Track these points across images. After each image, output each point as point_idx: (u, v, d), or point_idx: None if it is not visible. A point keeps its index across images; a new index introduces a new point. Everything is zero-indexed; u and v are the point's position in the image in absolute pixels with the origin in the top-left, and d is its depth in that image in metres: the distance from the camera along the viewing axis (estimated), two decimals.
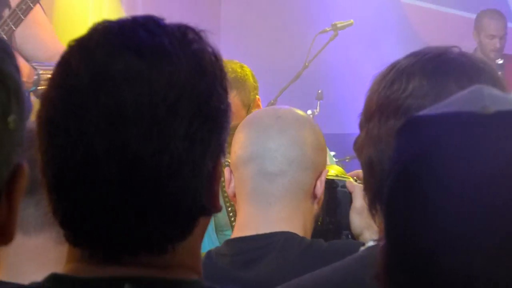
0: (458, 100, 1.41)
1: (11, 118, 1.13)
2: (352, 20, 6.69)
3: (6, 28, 4.63)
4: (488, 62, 2.29)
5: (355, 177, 2.99)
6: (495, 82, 2.04)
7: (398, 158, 1.36)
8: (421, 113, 1.41)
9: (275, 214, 2.62)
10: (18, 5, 4.70)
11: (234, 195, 2.71)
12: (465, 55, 2.17)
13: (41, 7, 4.90)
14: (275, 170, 2.62)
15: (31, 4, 4.64)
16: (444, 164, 1.28)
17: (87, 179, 1.45)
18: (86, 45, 1.53)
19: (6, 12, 4.80)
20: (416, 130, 1.37)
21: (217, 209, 1.59)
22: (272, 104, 6.31)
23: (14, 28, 4.67)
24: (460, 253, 1.21)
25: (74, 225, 1.50)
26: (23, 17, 4.65)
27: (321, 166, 2.70)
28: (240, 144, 2.71)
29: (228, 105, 1.57)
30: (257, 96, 5.22)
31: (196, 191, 1.50)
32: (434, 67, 2.08)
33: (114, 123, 1.41)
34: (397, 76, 2.09)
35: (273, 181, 2.62)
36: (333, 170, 3.77)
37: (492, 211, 1.22)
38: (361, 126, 2.15)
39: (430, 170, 1.29)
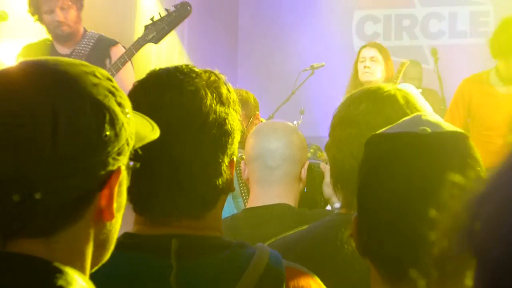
0: (404, 123, 1.67)
1: (104, 135, 1.27)
2: (323, 63, 7.14)
3: (110, 73, 4.54)
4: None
5: (326, 161, 3.03)
6: (412, 107, 2.31)
7: (365, 162, 1.65)
8: (380, 131, 1.67)
9: (275, 193, 2.82)
10: (119, 58, 4.73)
11: (248, 180, 2.95)
12: (394, 88, 2.41)
13: (132, 64, 4.98)
14: (274, 164, 2.84)
15: (127, 59, 4.72)
16: (392, 168, 1.58)
17: (145, 174, 1.70)
18: (143, 84, 1.87)
19: (107, 61, 4.94)
20: (376, 143, 1.65)
21: (232, 190, 1.91)
22: (271, 117, 6.79)
23: (115, 74, 4.65)
24: (398, 224, 1.51)
25: (140, 202, 1.82)
26: (121, 67, 4.71)
27: (304, 160, 2.91)
28: (251, 146, 2.93)
29: (238, 122, 1.86)
30: (257, 112, 5.39)
31: (218, 179, 1.81)
32: (375, 96, 2.37)
33: (162, 137, 1.57)
34: (352, 101, 2.41)
35: (272, 172, 2.84)
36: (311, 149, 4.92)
37: (418, 200, 1.49)
38: (329, 134, 2.46)
39: (384, 172, 1.59)
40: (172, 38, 9.90)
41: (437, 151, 1.55)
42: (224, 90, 1.83)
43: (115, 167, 1.30)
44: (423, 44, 10.39)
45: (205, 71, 1.85)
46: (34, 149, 1.20)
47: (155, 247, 1.75)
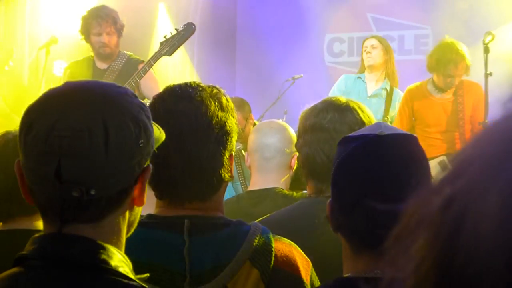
0: (367, 128, 1.72)
1: (142, 142, 1.30)
2: (302, 74, 7.22)
3: (134, 80, 4.64)
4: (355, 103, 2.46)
5: None
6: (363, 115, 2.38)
7: (337, 157, 1.61)
8: (349, 135, 1.67)
9: (270, 178, 2.78)
10: (141, 69, 4.71)
11: (249, 167, 2.92)
12: (349, 101, 2.46)
13: (154, 76, 5.01)
14: (270, 156, 2.80)
15: (147, 69, 4.68)
16: (357, 161, 1.57)
17: (163, 166, 1.71)
18: (162, 96, 1.86)
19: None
20: (346, 143, 1.62)
21: (232, 178, 1.89)
22: (261, 117, 6.69)
23: (138, 80, 4.68)
24: (361, 206, 1.50)
25: (160, 189, 1.81)
26: (143, 75, 4.67)
27: (294, 152, 2.79)
28: (252, 141, 2.91)
29: (235, 125, 1.85)
30: (251, 114, 5.44)
31: (220, 169, 1.80)
32: (339, 107, 2.38)
33: (176, 136, 1.71)
34: (321, 110, 2.39)
35: (269, 162, 2.80)
36: None
37: (374, 184, 1.52)
38: (300, 136, 2.47)
39: (351, 163, 1.59)
40: (183, 56, 9.97)
41: (392, 148, 1.56)
42: (224, 100, 1.83)
43: (145, 165, 1.35)
44: None
45: (209, 86, 1.86)
46: (92, 156, 1.23)
47: (172, 226, 1.74)
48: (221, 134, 1.77)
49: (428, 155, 4.90)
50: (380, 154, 1.54)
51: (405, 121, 5.10)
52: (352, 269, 1.55)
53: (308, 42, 10.27)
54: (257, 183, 2.81)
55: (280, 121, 3.38)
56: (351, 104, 2.39)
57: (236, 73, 10.95)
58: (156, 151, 1.62)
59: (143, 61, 5.00)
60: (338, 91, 5.75)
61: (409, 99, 5.15)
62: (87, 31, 4.98)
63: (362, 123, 2.29)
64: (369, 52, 5.73)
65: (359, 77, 5.76)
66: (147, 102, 4.35)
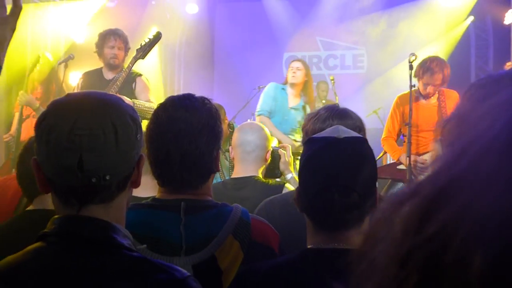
0: (328, 131, 1.64)
1: (139, 136, 1.30)
2: (265, 85, 6.31)
3: (115, 88, 4.57)
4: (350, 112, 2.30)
5: (281, 147, 3.07)
6: (361, 124, 2.27)
7: (303, 154, 1.59)
8: (313, 136, 1.63)
9: (250, 168, 2.73)
10: (125, 69, 4.67)
11: (233, 159, 2.84)
12: (344, 109, 2.33)
13: (147, 82, 4.94)
14: (250, 150, 2.75)
15: (127, 70, 4.61)
16: (319, 158, 1.53)
17: (165, 160, 1.72)
18: (164, 105, 1.80)
19: (133, 85, 4.81)
20: (311, 143, 1.59)
21: (218, 170, 1.89)
22: (234, 117, 6.74)
23: (116, 90, 4.53)
24: (320, 193, 1.48)
25: (162, 178, 1.78)
26: (124, 76, 4.61)
27: (269, 147, 2.83)
28: (236, 138, 2.83)
29: (222, 128, 1.82)
30: (225, 116, 4.99)
31: (210, 163, 1.78)
32: (338, 113, 2.25)
33: (175, 137, 1.71)
34: (326, 119, 2.23)
35: (249, 155, 2.75)
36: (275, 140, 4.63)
37: (329, 176, 1.49)
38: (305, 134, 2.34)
39: (314, 159, 1.54)
40: (171, 68, 9.97)
41: (347, 148, 1.53)
42: (213, 108, 1.80)
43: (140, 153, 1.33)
44: (325, 73, 10.31)
45: (201, 97, 1.82)
46: (106, 150, 1.22)
47: (171, 207, 1.72)
48: (211, 136, 1.75)
49: (418, 151, 4.63)
50: (337, 153, 1.51)
51: (396, 123, 4.89)
52: (314, 242, 1.54)
53: (270, 59, 10.35)
54: (239, 172, 2.75)
55: (258, 122, 3.33)
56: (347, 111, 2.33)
57: (214, 82, 10.97)
58: (159, 149, 1.72)
59: (140, 75, 4.91)
60: (267, 95, 5.70)
61: (399, 103, 4.88)
62: (102, 44, 4.88)
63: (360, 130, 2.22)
64: (294, 72, 5.56)
65: (283, 88, 5.64)
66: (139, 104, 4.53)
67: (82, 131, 1.19)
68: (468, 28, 9.21)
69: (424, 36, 9.37)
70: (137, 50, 4.57)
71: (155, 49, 4.63)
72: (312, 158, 1.54)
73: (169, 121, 1.72)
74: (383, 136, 4.95)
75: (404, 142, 4.76)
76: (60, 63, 5.49)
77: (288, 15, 10.42)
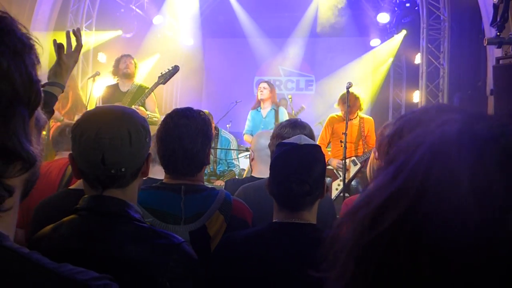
0: (293, 138, 1.60)
1: (148, 139, 1.29)
2: (241, 100, 6.97)
3: (143, 99, 4.51)
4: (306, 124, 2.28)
5: None
6: (310, 132, 2.23)
7: (274, 153, 1.58)
8: (282, 141, 1.61)
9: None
10: (146, 93, 4.55)
11: (252, 160, 2.57)
12: (300, 121, 2.30)
13: (155, 96, 4.79)
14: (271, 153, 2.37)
15: (150, 92, 4.53)
16: (285, 157, 1.52)
17: (169, 154, 1.68)
18: (171, 115, 1.76)
19: (143, 96, 4.57)
20: (280, 146, 1.57)
21: (208, 163, 1.82)
22: (217, 123, 5.80)
23: (145, 99, 4.51)
24: (283, 183, 1.48)
25: (167, 168, 1.74)
26: (148, 96, 4.53)
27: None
28: (258, 143, 2.54)
29: (212, 131, 1.79)
30: (213, 121, 4.74)
31: (204, 157, 1.75)
32: (294, 125, 2.25)
33: (179, 138, 1.69)
34: (284, 127, 2.25)
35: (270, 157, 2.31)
36: None
37: (292, 174, 1.48)
38: (271, 140, 2.29)
39: (282, 158, 1.53)
40: (171, 87, 9.85)
41: (306, 152, 1.54)
42: (206, 118, 1.78)
43: (149, 152, 1.32)
44: (284, 93, 10.25)
45: (198, 110, 1.80)
46: (122, 150, 1.23)
47: (174, 189, 1.71)
48: (204, 138, 1.74)
49: (338, 155, 4.73)
50: (298, 155, 1.53)
51: (327, 135, 5.01)
52: (278, 217, 1.55)
53: (244, 80, 10.35)
54: (263, 171, 2.45)
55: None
56: (304, 123, 2.31)
57: (202, 96, 10.90)
58: (167, 147, 1.69)
59: (148, 88, 4.80)
60: (248, 120, 5.75)
61: (330, 122, 5.02)
62: (118, 63, 4.85)
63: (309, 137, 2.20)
64: (262, 91, 5.62)
65: (257, 110, 5.70)
66: (149, 114, 4.50)
67: (105, 136, 1.21)
68: (390, 66, 9.29)
69: (358, 69, 9.44)
70: (158, 76, 4.50)
71: (159, 71, 4.59)
72: (280, 157, 1.55)
73: (175, 127, 1.71)
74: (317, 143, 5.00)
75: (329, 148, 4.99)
76: (89, 78, 5.40)
77: (259, 50, 10.39)
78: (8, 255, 0.61)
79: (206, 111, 5.17)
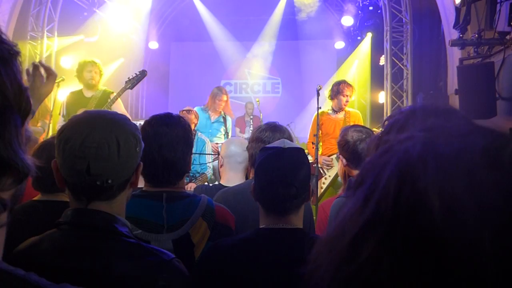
0: (276, 142, 1.60)
1: (138, 148, 1.23)
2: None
3: (109, 105, 4.42)
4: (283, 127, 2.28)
5: None
6: (289, 135, 2.23)
7: (258, 158, 1.55)
8: (266, 146, 1.61)
9: (239, 176, 2.50)
10: (113, 97, 4.48)
11: (221, 167, 2.57)
12: (279, 125, 2.30)
13: (121, 100, 4.62)
14: (240, 161, 2.52)
15: (117, 97, 4.44)
16: (270, 162, 1.50)
17: (149, 163, 1.59)
18: (150, 122, 1.72)
19: (108, 100, 4.50)
20: (264, 150, 1.55)
21: (190, 170, 1.84)
22: None
23: (112, 104, 4.42)
24: (270, 187, 1.47)
25: (148, 177, 1.68)
26: (115, 101, 4.45)
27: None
28: (228, 149, 2.55)
29: (193, 139, 1.85)
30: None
31: (185, 166, 1.71)
32: (274, 128, 2.23)
33: (159, 147, 1.64)
34: (263, 131, 2.23)
35: (240, 165, 2.52)
36: None
37: (279, 179, 1.47)
38: (250, 143, 2.28)
39: (266, 163, 1.51)
40: (136, 91, 9.71)
41: (290, 155, 1.53)
42: (187, 124, 1.74)
43: (138, 163, 1.26)
44: (251, 96, 10.34)
45: (178, 116, 1.76)
46: (109, 159, 1.16)
47: (156, 197, 1.66)
48: (185, 146, 1.70)
49: (328, 153, 4.62)
50: (282, 158, 1.51)
51: (313, 132, 4.86)
52: (265, 223, 1.53)
53: (211, 84, 10.01)
54: (231, 179, 2.48)
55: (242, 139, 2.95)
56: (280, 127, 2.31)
57: (168, 99, 10.79)
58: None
59: (112, 92, 4.75)
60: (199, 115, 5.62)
61: (317, 118, 4.88)
62: (82, 69, 4.74)
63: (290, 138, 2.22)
64: (221, 104, 5.57)
65: (204, 110, 5.64)
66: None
67: (91, 144, 1.14)
68: (355, 67, 9.39)
69: (323, 70, 9.56)
70: (126, 81, 4.42)
71: (125, 75, 4.51)
72: (264, 162, 1.53)
73: (154, 135, 1.66)
74: (308, 141, 4.99)
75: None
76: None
77: (226, 53, 10.38)
78: (4, 277, 0.57)
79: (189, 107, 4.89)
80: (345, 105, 4.80)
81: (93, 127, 1.17)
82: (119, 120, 1.22)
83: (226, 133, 5.58)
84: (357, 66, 9.08)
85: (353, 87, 4.81)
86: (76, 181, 1.16)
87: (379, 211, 0.41)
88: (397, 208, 0.40)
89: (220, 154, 2.61)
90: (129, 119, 1.27)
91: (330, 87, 4.86)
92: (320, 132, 4.86)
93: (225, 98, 5.68)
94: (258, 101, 7.29)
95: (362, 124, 4.76)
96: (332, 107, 4.90)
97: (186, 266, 1.28)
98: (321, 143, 5.00)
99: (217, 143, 5.37)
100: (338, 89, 4.76)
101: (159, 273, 1.13)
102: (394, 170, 0.42)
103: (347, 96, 4.80)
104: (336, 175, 4.77)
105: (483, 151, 0.41)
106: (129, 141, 1.19)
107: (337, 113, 4.84)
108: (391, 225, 0.40)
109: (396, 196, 0.41)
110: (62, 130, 1.19)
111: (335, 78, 9.49)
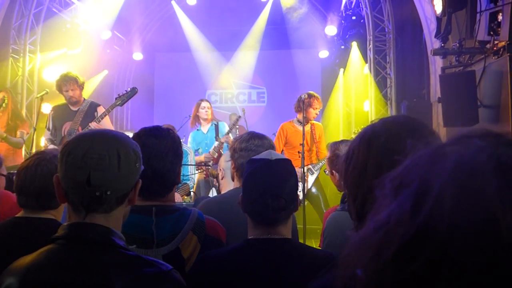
0: (264, 154, 1.61)
1: (138, 165, 1.25)
2: None
3: (98, 120, 4.42)
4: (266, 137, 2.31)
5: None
6: (269, 142, 2.26)
7: (246, 170, 1.57)
8: (253, 157, 1.62)
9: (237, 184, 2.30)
10: (103, 113, 4.48)
11: (222, 179, 2.56)
12: (260, 133, 2.32)
13: (109, 116, 4.66)
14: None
15: (107, 113, 4.46)
16: (258, 173, 1.52)
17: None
18: (139, 134, 1.72)
19: (95, 113, 4.59)
20: (252, 162, 1.57)
21: (179, 182, 1.81)
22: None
23: (101, 120, 4.43)
24: (259, 199, 1.48)
25: (141, 190, 1.44)
26: (104, 117, 4.46)
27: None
28: (226, 161, 2.52)
29: (182, 151, 1.75)
30: None
31: (174, 177, 1.71)
32: (260, 137, 2.26)
33: (148, 158, 1.58)
34: (250, 138, 2.25)
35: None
36: None
37: (267, 189, 1.49)
38: (234, 152, 2.27)
39: (255, 174, 1.53)
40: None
41: (278, 167, 1.55)
42: (176, 136, 1.75)
43: (138, 178, 1.27)
44: (237, 106, 10.35)
45: (167, 128, 1.77)
46: (109, 171, 1.19)
47: (145, 211, 1.65)
48: (174, 157, 1.71)
49: (299, 165, 4.62)
50: (270, 170, 1.53)
51: (281, 143, 5.07)
52: (253, 234, 1.54)
53: (196, 93, 10.13)
54: (229, 186, 2.46)
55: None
56: (267, 137, 2.33)
57: (153, 111, 10.74)
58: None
59: (100, 105, 4.74)
60: (193, 141, 5.80)
61: (283, 130, 5.11)
62: (60, 89, 4.70)
63: (272, 146, 2.27)
64: (206, 111, 5.74)
65: (198, 130, 5.84)
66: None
67: (92, 155, 1.17)
68: (340, 76, 9.42)
69: (308, 79, 9.61)
70: (116, 98, 4.44)
71: (110, 87, 4.52)
72: (252, 174, 1.55)
73: (143, 147, 1.60)
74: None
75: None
76: (37, 97, 5.25)
77: (210, 63, 10.40)
78: None
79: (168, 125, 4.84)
80: (313, 118, 4.96)
81: (95, 141, 1.20)
82: (121, 136, 1.26)
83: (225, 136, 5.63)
84: (342, 75, 9.15)
85: (320, 101, 4.99)
86: (76, 192, 1.18)
87: (433, 221, 0.38)
88: (454, 220, 0.36)
89: (220, 167, 2.61)
90: (129, 138, 1.30)
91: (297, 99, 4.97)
92: (287, 145, 5.04)
93: (207, 104, 5.79)
94: (244, 111, 7.30)
95: (323, 134, 5.08)
96: (297, 119, 5.03)
97: None
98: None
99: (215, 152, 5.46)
100: (309, 102, 4.89)
101: (158, 284, 1.14)
102: (450, 178, 0.39)
103: (316, 109, 4.95)
104: (309, 188, 4.92)
105: None
106: (130, 155, 1.21)
107: (304, 125, 4.93)
108: (447, 238, 0.36)
109: (453, 207, 0.37)
110: (66, 145, 1.23)
111: (320, 87, 9.66)
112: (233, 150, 2.31)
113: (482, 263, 0.35)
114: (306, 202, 4.58)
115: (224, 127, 5.72)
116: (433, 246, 0.37)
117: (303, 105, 4.82)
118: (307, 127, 5.00)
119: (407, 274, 0.38)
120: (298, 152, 4.65)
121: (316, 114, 4.97)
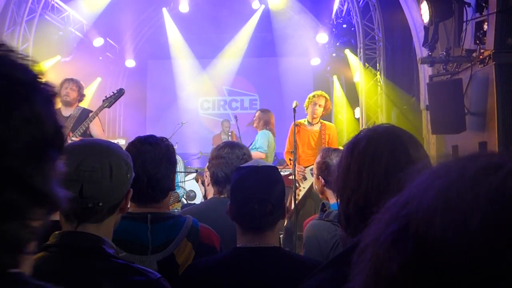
0: (251, 162, 1.64)
1: (129, 175, 1.28)
2: (186, 121, 7.05)
3: (87, 123, 4.38)
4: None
5: None
6: (247, 151, 2.27)
7: (234, 177, 1.58)
8: (241, 165, 1.65)
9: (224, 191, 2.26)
10: (91, 115, 4.41)
11: (208, 185, 2.47)
12: (237, 142, 2.32)
13: (99, 119, 4.63)
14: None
15: (95, 116, 4.41)
16: (245, 180, 1.54)
17: (135, 182, 1.39)
18: (134, 142, 1.75)
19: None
20: (239, 169, 1.59)
21: (174, 189, 1.80)
22: None
23: (89, 123, 4.41)
24: (245, 204, 1.49)
25: (132, 194, 1.44)
26: (92, 120, 4.40)
27: None
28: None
29: (176, 158, 1.77)
30: None
31: (169, 184, 1.73)
32: (232, 145, 2.26)
33: (143, 163, 1.66)
34: (222, 147, 2.25)
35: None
36: None
37: (254, 194, 1.50)
38: (209, 161, 2.29)
39: (242, 182, 1.55)
40: (114, 109, 9.64)
41: (265, 174, 1.57)
42: (170, 144, 1.78)
43: (129, 188, 1.30)
44: (229, 112, 10.38)
45: (161, 137, 1.79)
46: (102, 183, 1.21)
47: (140, 218, 1.68)
48: (168, 164, 1.73)
49: (305, 164, 4.62)
50: (257, 176, 1.56)
51: (291, 143, 4.86)
52: (242, 242, 1.56)
53: (189, 101, 10.28)
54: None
55: None
56: (240, 144, 2.36)
57: (146, 118, 10.77)
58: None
59: (91, 111, 4.68)
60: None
61: (293, 129, 4.91)
62: (61, 85, 4.64)
63: (248, 156, 2.28)
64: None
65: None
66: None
67: (85, 168, 1.20)
68: (331, 83, 9.58)
69: (300, 86, 9.69)
70: (103, 100, 4.41)
71: (102, 94, 4.53)
72: (240, 180, 1.57)
73: (138, 154, 1.67)
74: (285, 151, 5.04)
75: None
76: None
77: (202, 70, 10.45)
78: None
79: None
80: (316, 112, 4.87)
81: (88, 154, 1.23)
82: (113, 148, 1.28)
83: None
84: (333, 82, 9.25)
85: (326, 98, 4.92)
86: (68, 204, 1.20)
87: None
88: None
89: (206, 173, 2.57)
90: (122, 148, 1.33)
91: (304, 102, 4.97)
92: (299, 143, 4.90)
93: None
94: (236, 118, 7.36)
95: (337, 136, 4.95)
96: (307, 119, 4.99)
97: (171, 287, 1.30)
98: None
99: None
100: (312, 99, 4.90)
101: None
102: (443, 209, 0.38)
103: (321, 106, 4.90)
104: (311, 186, 4.76)
105: None
106: (121, 167, 1.24)
107: (312, 125, 4.93)
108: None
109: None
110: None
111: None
112: (208, 160, 2.34)
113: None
114: (306, 202, 4.53)
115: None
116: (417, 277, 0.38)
117: (309, 102, 4.87)
118: (316, 127, 4.94)
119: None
120: (290, 159, 4.64)
121: (319, 107, 4.88)
